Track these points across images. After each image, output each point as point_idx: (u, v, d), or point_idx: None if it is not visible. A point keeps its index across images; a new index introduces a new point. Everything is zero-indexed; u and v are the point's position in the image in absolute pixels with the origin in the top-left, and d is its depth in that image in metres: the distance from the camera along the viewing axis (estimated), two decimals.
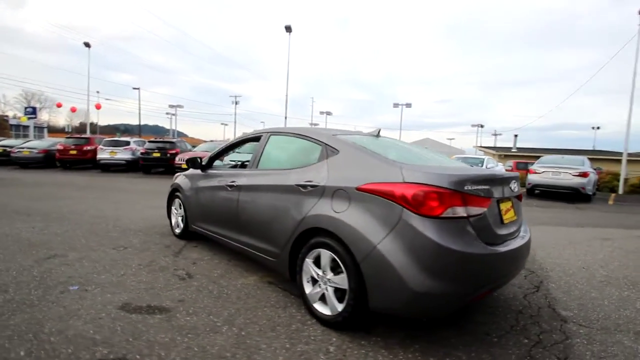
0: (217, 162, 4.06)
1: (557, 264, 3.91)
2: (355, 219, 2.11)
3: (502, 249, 2.08)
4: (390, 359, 1.97)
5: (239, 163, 4.23)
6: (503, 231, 2.20)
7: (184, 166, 13.87)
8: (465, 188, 1.96)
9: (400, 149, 2.71)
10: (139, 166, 15.26)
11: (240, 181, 3.17)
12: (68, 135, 18.61)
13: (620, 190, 14.66)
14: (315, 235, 2.37)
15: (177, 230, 4.36)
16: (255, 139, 3.42)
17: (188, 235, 4.22)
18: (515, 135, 28.92)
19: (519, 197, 2.56)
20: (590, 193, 10.82)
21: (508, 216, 2.30)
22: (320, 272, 2.35)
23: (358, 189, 2.15)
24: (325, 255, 2.29)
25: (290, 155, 3.01)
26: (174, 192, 4.43)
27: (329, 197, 2.31)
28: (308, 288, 2.45)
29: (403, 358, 1.98)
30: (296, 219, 2.49)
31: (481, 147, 35.80)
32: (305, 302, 2.47)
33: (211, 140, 20.25)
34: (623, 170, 14.83)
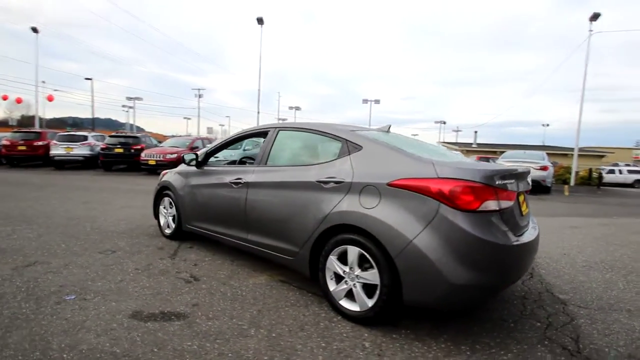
0: (211, 159, 3.87)
1: (541, 251, 4.20)
2: (387, 214, 2.11)
3: (524, 239, 2.19)
4: (424, 349, 2.01)
5: (239, 159, 4.06)
6: (523, 222, 2.32)
7: (152, 162, 13.14)
8: (496, 182, 2.03)
9: (417, 145, 2.75)
10: (99, 163, 14.19)
11: (248, 178, 3.05)
12: (15, 130, 16.82)
13: (572, 182, 16.11)
14: (340, 232, 2.35)
15: (168, 231, 4.11)
16: (260, 134, 3.30)
17: (180, 235, 4.00)
18: (475, 132, 30.78)
19: (527, 191, 2.71)
20: (549, 185, 11.76)
21: (524, 208, 2.43)
22: (346, 269, 2.33)
23: (389, 184, 2.14)
24: (353, 251, 2.27)
25: (304, 152, 2.94)
26: (163, 191, 4.17)
27: (356, 193, 2.29)
28: (332, 285, 2.42)
29: (436, 348, 2.03)
30: (318, 216, 2.44)
31: (444, 142, 37.67)
32: (329, 299, 2.44)
33: (179, 135, 19.35)
34: (574, 164, 16.32)
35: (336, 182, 2.40)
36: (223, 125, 79.92)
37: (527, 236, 2.29)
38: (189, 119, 64.20)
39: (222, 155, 4.33)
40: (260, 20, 22.61)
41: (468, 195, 1.92)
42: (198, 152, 3.75)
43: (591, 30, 14.18)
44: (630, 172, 24.15)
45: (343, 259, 2.36)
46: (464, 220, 1.91)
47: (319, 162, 2.66)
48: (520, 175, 2.35)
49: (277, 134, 3.07)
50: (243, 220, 3.06)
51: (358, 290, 2.26)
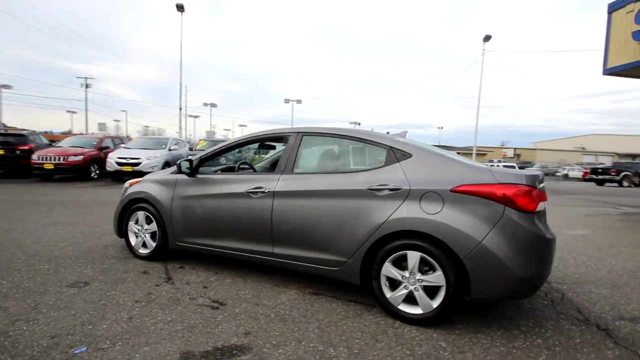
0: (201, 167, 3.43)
1: None
2: (453, 219, 2.23)
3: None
4: (490, 339, 2.19)
5: (238, 166, 3.66)
6: None
7: (48, 166, 10.71)
8: (539, 186, 2.35)
9: (445, 151, 2.95)
10: None
11: (272, 186, 2.81)
12: None
13: None
14: (396, 238, 2.38)
15: (144, 251, 3.49)
16: (276, 138, 3.08)
17: (162, 255, 3.44)
18: (388, 132, 33.93)
19: None
20: None
21: None
22: (405, 274, 2.38)
23: (453, 190, 2.27)
24: (414, 256, 2.33)
25: (339, 158, 2.86)
26: (134, 204, 3.51)
27: (415, 199, 2.35)
28: (388, 292, 2.44)
29: (496, 336, 2.24)
30: (372, 224, 2.43)
31: None
32: (384, 306, 2.45)
33: (81, 134, 16.14)
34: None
35: (391, 189, 2.43)
36: (119, 121, 70.12)
37: None
38: (74, 112, 54.20)
39: (215, 163, 3.87)
40: (180, 7, 20.55)
41: (528, 198, 2.18)
42: (192, 158, 3.28)
43: (484, 49, 17.37)
44: (505, 167, 30.02)
45: (398, 264, 2.40)
46: (526, 220, 2.16)
47: (361, 169, 2.64)
48: (543, 179, 2.76)
49: (301, 140, 2.91)
50: (267, 232, 2.82)
51: (420, 294, 2.34)
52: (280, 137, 3.02)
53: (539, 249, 2.20)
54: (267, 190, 2.82)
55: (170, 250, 3.42)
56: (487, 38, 17.41)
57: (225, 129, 69.59)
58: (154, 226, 3.41)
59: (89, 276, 3.02)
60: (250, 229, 2.91)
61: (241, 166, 3.62)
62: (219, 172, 3.57)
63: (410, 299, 2.38)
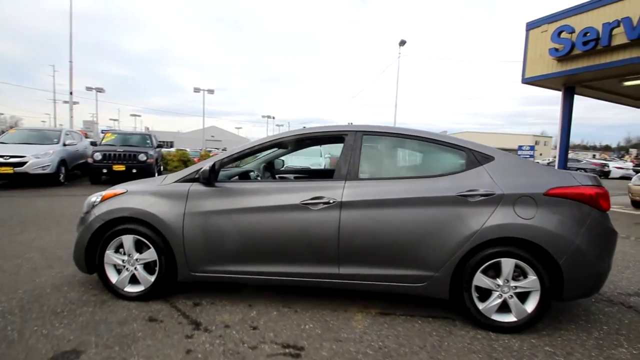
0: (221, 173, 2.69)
1: None
2: (548, 222, 2.22)
3: None
4: (584, 339, 2.29)
5: (262, 169, 2.96)
6: None
7: None
8: None
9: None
10: None
11: (337, 196, 2.36)
12: None
13: None
14: (488, 246, 2.27)
15: (133, 289, 2.58)
16: (327, 138, 2.61)
17: (161, 291, 2.59)
18: (304, 127, 33.99)
19: None
20: None
21: None
22: (499, 282, 2.29)
23: (546, 194, 2.26)
24: (508, 263, 2.26)
25: (410, 162, 2.55)
26: (113, 225, 2.54)
27: (509, 204, 2.26)
28: (480, 303, 2.31)
29: (569, 332, 2.37)
30: (465, 233, 2.25)
31: None
32: (476, 317, 2.32)
33: (21, 128, 11.43)
34: None
35: (483, 195, 2.29)
36: None
37: None
38: None
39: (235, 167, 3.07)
40: None
41: (607, 198, 2.32)
42: (208, 163, 2.51)
43: (400, 53, 18.92)
44: None
45: (487, 273, 2.30)
46: (605, 218, 2.30)
47: (439, 173, 2.42)
48: None
49: (361, 140, 2.52)
50: (332, 251, 2.37)
51: (515, 301, 2.28)
52: (332, 137, 2.57)
53: (612, 244, 2.37)
54: (331, 201, 2.35)
55: (171, 285, 2.59)
56: (403, 43, 19.12)
57: (111, 119, 59.15)
58: (150, 254, 2.52)
59: (72, 341, 2.04)
60: (307, 248, 2.39)
61: (247, 171, 2.96)
62: (237, 179, 2.87)
63: (504, 307, 2.30)
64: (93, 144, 11.25)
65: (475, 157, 2.42)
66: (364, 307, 2.61)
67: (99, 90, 30.71)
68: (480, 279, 2.29)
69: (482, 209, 2.27)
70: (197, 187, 2.53)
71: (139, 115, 59.64)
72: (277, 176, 3.41)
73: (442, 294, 2.35)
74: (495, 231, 2.24)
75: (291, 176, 3.94)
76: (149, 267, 2.58)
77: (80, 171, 10.45)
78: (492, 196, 2.28)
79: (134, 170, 9.40)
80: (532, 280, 2.26)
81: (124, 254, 2.57)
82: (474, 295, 2.31)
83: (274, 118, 46.48)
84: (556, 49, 7.24)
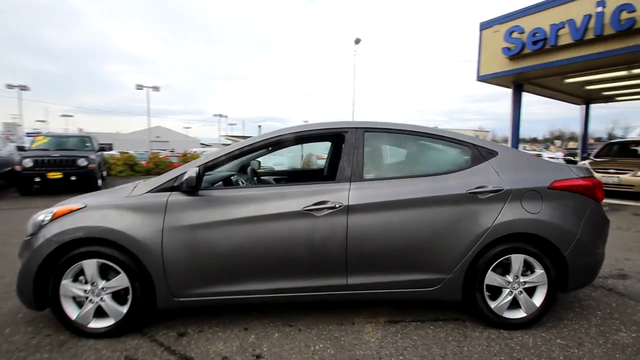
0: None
1: None
2: (553, 216, 2.22)
3: None
4: (586, 327, 2.32)
5: (250, 173, 2.60)
6: None
7: None
8: None
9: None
10: None
11: (343, 199, 2.14)
12: None
13: None
14: (498, 243, 2.22)
15: (100, 325, 2.13)
16: (325, 136, 2.37)
17: (136, 323, 2.18)
18: (259, 126, 33.08)
19: None
20: None
21: None
22: (509, 279, 2.25)
23: (550, 187, 2.26)
24: (518, 259, 2.23)
25: (414, 159, 2.40)
26: (70, 249, 2.07)
27: (517, 200, 2.22)
28: (493, 302, 2.26)
29: (580, 323, 2.42)
30: (476, 231, 2.17)
31: (229, 136, 38.00)
32: (488, 317, 2.25)
33: None
34: None
35: (492, 191, 2.22)
36: None
37: None
38: None
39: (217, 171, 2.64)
40: None
41: (601, 189, 2.38)
42: (193, 169, 2.14)
43: (355, 51, 19.08)
44: None
45: (496, 270, 2.26)
46: (600, 208, 2.36)
47: (445, 170, 2.32)
48: None
49: (363, 137, 2.32)
50: (339, 260, 2.15)
51: (524, 296, 2.26)
52: (330, 135, 2.34)
53: (607, 232, 2.45)
54: (337, 206, 2.13)
55: (148, 315, 2.19)
56: (358, 41, 19.36)
57: (38, 120, 52.35)
58: (120, 281, 2.09)
59: None
60: (312, 260, 2.15)
61: (230, 176, 2.63)
62: (222, 185, 2.52)
63: (514, 304, 2.27)
64: (20, 149, 9.73)
65: (480, 153, 2.36)
66: (371, 316, 2.43)
67: (23, 88, 26.88)
68: (492, 278, 2.24)
69: (492, 206, 2.21)
70: (177, 197, 2.15)
71: (71, 116, 53.42)
72: (255, 179, 3.08)
73: (454, 296, 2.26)
74: (506, 227, 2.19)
75: (270, 178, 3.64)
76: (119, 296, 2.14)
77: (5, 181, 8.97)
78: (501, 192, 2.23)
79: (73, 178, 8.27)
80: (539, 274, 2.25)
81: (86, 282, 2.10)
82: (486, 294, 2.25)
83: (226, 117, 44.32)
84: (508, 48, 7.75)
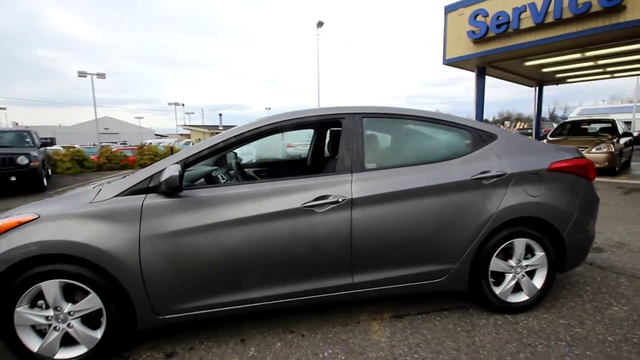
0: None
1: None
2: (552, 198, 2.21)
3: None
4: (582, 304, 2.39)
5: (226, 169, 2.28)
6: None
7: None
8: None
9: None
10: None
11: (345, 192, 1.96)
12: None
13: None
14: (502, 228, 2.17)
15: (69, 355, 1.81)
16: (319, 123, 2.16)
17: (113, 349, 1.88)
18: (220, 114, 31.54)
19: None
20: None
21: None
22: (512, 263, 2.23)
23: (550, 169, 2.23)
24: (520, 243, 2.21)
25: (415, 145, 2.26)
26: (25, 270, 1.71)
27: (519, 183, 2.18)
28: (497, 288, 2.23)
29: (583, 304, 2.48)
30: (482, 218, 2.10)
31: (187, 125, 35.85)
32: (496, 304, 2.23)
33: None
34: None
35: (496, 176, 2.15)
36: None
37: None
38: None
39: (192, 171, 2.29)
40: None
41: (594, 168, 2.41)
42: (174, 165, 1.82)
43: (318, 35, 18.57)
44: None
45: (500, 255, 2.23)
46: (592, 186, 2.40)
47: (447, 156, 2.21)
48: None
49: (361, 123, 2.13)
50: (344, 258, 1.99)
51: (527, 279, 2.26)
52: (324, 121, 2.13)
53: (597, 210, 2.50)
54: (340, 200, 1.94)
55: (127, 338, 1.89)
56: (320, 24, 18.80)
57: None
58: (90, 302, 1.77)
59: None
60: (314, 260, 1.96)
61: (225, 172, 2.35)
62: (204, 182, 2.22)
63: (517, 288, 2.27)
64: None
65: (480, 137, 2.28)
66: (375, 312, 2.32)
67: None
68: (497, 264, 2.20)
69: (496, 191, 2.15)
70: (154, 199, 1.84)
71: (4, 108, 47.38)
72: (239, 174, 2.79)
73: (461, 285, 2.20)
74: (510, 212, 2.14)
75: (250, 171, 3.35)
76: (90, 320, 1.82)
77: None
78: (504, 176, 2.17)
79: (13, 178, 7.30)
80: (540, 256, 2.25)
81: (47, 307, 1.75)
82: (490, 281, 2.22)
83: (183, 105, 41.68)
84: (473, 32, 7.88)
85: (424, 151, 2.34)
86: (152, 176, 1.87)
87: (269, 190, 1.95)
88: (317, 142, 3.46)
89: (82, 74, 22.77)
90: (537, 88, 12.74)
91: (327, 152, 3.46)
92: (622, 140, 8.14)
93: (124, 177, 2.10)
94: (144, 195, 1.85)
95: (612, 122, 8.48)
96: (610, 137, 7.93)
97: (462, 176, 2.12)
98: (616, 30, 6.23)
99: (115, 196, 1.85)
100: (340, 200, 1.95)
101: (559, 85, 12.96)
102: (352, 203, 1.97)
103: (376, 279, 2.06)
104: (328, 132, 3.36)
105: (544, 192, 2.21)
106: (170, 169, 1.78)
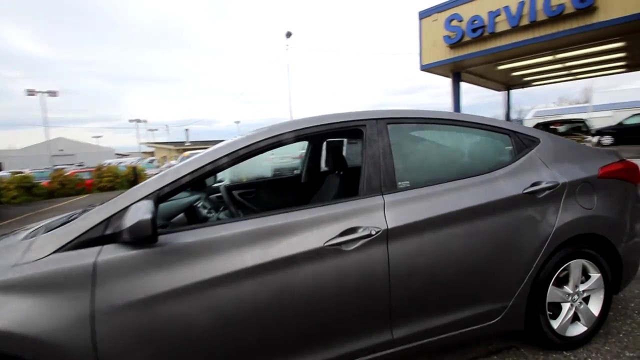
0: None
1: None
2: (605, 208, 1.89)
3: None
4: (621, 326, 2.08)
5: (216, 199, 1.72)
6: None
7: None
8: None
9: None
10: None
11: (379, 222, 1.50)
12: None
13: None
14: (558, 249, 1.81)
15: None
16: (332, 132, 1.69)
17: None
18: (186, 130, 30.12)
19: None
20: None
21: None
22: (569, 290, 1.87)
23: (599, 176, 1.91)
24: (577, 265, 1.86)
25: (452, 155, 1.84)
26: None
27: (572, 195, 1.82)
28: (555, 322, 1.85)
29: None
30: (538, 239, 1.73)
31: (150, 143, 33.87)
32: (555, 340, 1.85)
33: None
34: None
35: (549, 187, 1.78)
36: None
37: None
38: None
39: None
40: None
41: (639, 172, 2.13)
42: (142, 201, 1.27)
43: (287, 45, 18.20)
44: None
45: (555, 282, 1.86)
46: (637, 191, 2.11)
47: (490, 167, 1.82)
48: None
49: (387, 131, 1.69)
50: (380, 308, 1.52)
51: (584, 307, 1.91)
52: (340, 131, 1.66)
53: None
54: (373, 232, 1.47)
55: None
56: (289, 34, 18.47)
57: None
58: None
59: None
60: (341, 316, 1.47)
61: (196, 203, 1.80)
62: (184, 218, 1.66)
63: (575, 319, 1.90)
64: None
65: (522, 141, 1.91)
66: None
67: None
68: (554, 293, 1.83)
69: (550, 206, 1.78)
70: (114, 253, 1.27)
71: None
72: (232, 204, 2.21)
73: (518, 325, 1.79)
74: (568, 230, 1.79)
75: (235, 193, 2.80)
76: None
77: None
78: (557, 187, 1.81)
79: None
80: (596, 278, 1.92)
81: None
82: (547, 314, 1.83)
83: (145, 122, 39.49)
84: (449, 37, 7.86)
85: (462, 162, 1.94)
86: (109, 219, 1.30)
87: (277, 226, 1.44)
88: (313, 155, 2.99)
89: (30, 93, 20.93)
90: (506, 92, 13.14)
91: (323, 167, 3.01)
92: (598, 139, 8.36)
93: (70, 217, 1.52)
94: (99, 247, 1.27)
95: (583, 122, 8.75)
96: (582, 137, 8.14)
97: (513, 190, 1.73)
98: (588, 32, 6.40)
99: (54, 252, 1.26)
100: (373, 232, 1.48)
101: (517, 90, 13.45)
102: (387, 235, 1.50)
103: (422, 330, 1.60)
104: (324, 143, 2.91)
105: (597, 203, 1.88)
106: (136, 208, 1.23)
